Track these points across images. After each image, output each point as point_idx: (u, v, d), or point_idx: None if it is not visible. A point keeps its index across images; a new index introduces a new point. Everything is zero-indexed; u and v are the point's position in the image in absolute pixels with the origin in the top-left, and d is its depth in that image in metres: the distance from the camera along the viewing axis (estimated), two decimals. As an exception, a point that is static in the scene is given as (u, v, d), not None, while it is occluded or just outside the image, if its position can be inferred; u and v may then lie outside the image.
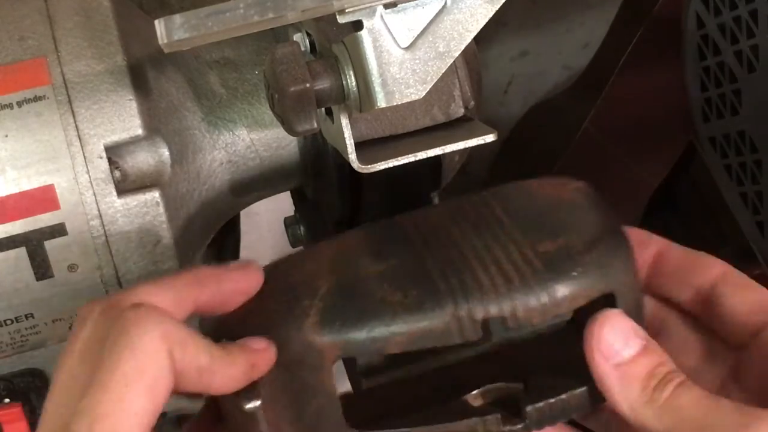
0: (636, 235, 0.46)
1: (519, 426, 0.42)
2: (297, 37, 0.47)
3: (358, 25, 0.41)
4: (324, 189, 0.56)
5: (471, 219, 0.44)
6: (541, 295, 0.41)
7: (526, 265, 0.42)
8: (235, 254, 0.72)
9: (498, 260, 0.42)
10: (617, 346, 0.41)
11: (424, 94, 0.42)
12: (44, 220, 0.46)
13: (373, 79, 0.41)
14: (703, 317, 0.46)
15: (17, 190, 0.45)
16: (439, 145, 0.45)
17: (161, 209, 0.47)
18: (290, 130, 0.42)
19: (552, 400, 0.43)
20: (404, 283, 0.42)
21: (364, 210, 0.57)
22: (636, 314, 0.43)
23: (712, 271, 0.46)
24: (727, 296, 0.45)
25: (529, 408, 0.42)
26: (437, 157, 0.50)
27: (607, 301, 0.42)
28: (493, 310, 0.41)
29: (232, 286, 0.41)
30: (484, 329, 0.41)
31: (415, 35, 0.41)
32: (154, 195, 0.47)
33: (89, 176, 0.46)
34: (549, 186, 0.46)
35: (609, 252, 0.42)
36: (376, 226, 0.46)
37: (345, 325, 0.40)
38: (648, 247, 0.47)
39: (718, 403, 0.40)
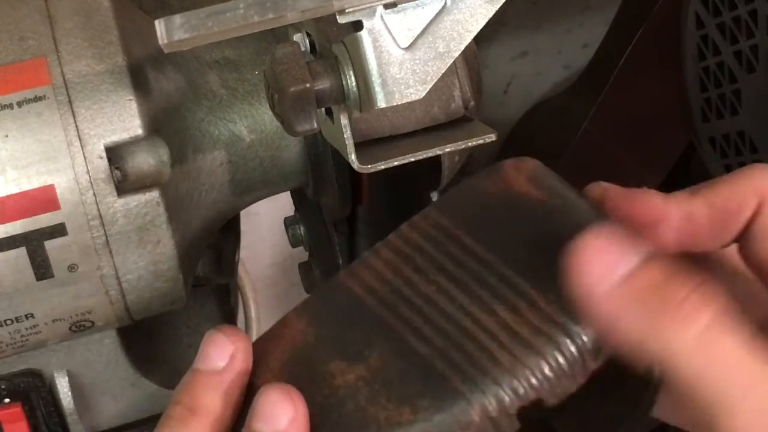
0: (651, 212, 0.35)
1: None
2: (297, 37, 0.47)
3: (358, 26, 0.41)
4: (324, 189, 0.56)
5: (437, 261, 0.35)
6: (576, 354, 0.32)
7: (542, 321, 0.33)
8: (234, 254, 0.72)
9: (505, 321, 0.33)
10: (607, 265, 0.31)
11: (424, 94, 0.42)
12: (44, 220, 0.46)
13: (373, 79, 0.41)
14: (744, 254, 0.35)
15: (17, 190, 0.45)
16: (439, 145, 0.45)
17: (161, 209, 0.47)
18: (290, 130, 0.42)
19: None
20: (405, 390, 0.32)
21: (364, 210, 0.57)
22: None
23: (745, 210, 0.35)
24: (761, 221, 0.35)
25: None
26: (437, 157, 0.51)
27: None
28: (530, 394, 0.32)
29: None
30: (522, 417, 0.32)
31: (415, 35, 0.41)
32: (154, 195, 0.47)
33: (89, 176, 0.46)
34: (501, 182, 0.38)
35: None
36: (321, 302, 0.36)
37: None
38: (668, 221, 0.35)
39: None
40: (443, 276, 0.34)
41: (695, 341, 0.30)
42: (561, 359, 0.32)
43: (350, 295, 0.35)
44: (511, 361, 0.32)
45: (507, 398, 0.31)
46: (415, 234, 0.36)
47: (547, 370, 0.32)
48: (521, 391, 0.32)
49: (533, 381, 0.32)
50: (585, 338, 0.32)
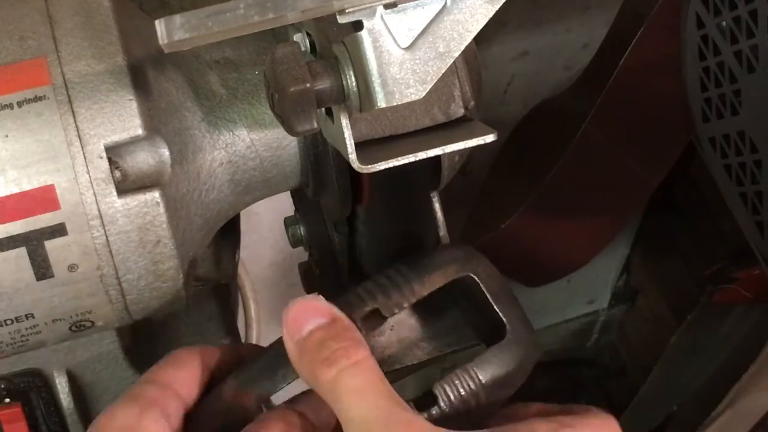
0: None
1: None
2: (297, 37, 0.47)
3: (358, 26, 0.41)
4: (324, 189, 0.56)
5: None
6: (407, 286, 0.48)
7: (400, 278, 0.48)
8: (234, 254, 0.72)
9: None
10: (299, 324, 0.45)
11: (424, 94, 0.42)
12: (44, 220, 0.46)
13: (373, 79, 0.41)
14: None
15: (17, 190, 0.45)
16: (439, 145, 0.45)
17: (161, 209, 0.47)
18: (290, 130, 0.42)
19: None
20: None
21: (364, 210, 0.57)
22: (499, 294, 0.48)
23: None
24: None
25: None
26: (437, 157, 0.50)
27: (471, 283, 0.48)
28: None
29: None
30: None
31: (415, 35, 0.41)
32: (154, 195, 0.47)
33: (89, 176, 0.46)
34: None
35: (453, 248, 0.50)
36: None
37: None
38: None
39: (373, 399, 0.42)
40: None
41: (329, 381, 0.43)
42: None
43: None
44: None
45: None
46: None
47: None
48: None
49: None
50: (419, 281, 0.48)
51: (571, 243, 1.03)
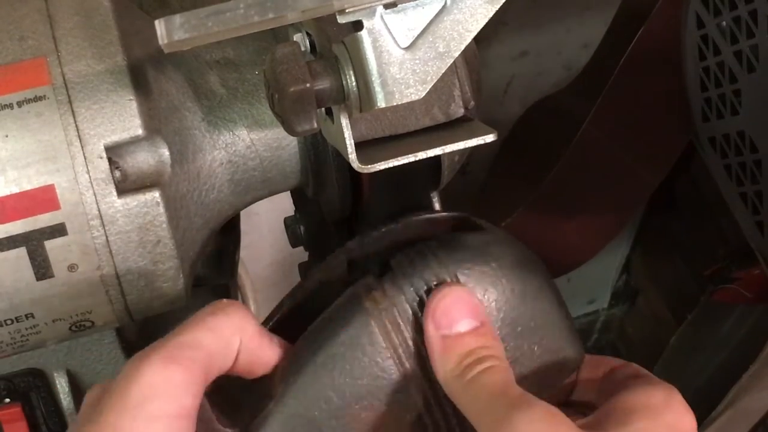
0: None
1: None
2: (297, 37, 0.47)
3: (358, 25, 0.41)
4: (324, 189, 0.56)
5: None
6: None
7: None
8: (234, 254, 0.72)
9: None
10: (450, 319, 0.43)
11: (424, 94, 0.42)
12: (44, 220, 0.46)
13: (373, 79, 0.41)
14: None
15: (17, 190, 0.45)
16: (439, 145, 0.45)
17: (161, 209, 0.47)
18: (290, 130, 0.42)
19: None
20: None
21: (364, 210, 0.57)
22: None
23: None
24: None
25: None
26: (437, 157, 0.51)
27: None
28: None
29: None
30: None
31: (415, 35, 0.41)
32: (154, 195, 0.47)
33: (89, 176, 0.46)
34: None
35: None
36: None
37: None
38: (599, 366, 0.48)
39: (505, 390, 0.42)
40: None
41: (465, 384, 0.42)
42: None
43: None
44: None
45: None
46: None
47: None
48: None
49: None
50: None
51: (571, 242, 1.03)
